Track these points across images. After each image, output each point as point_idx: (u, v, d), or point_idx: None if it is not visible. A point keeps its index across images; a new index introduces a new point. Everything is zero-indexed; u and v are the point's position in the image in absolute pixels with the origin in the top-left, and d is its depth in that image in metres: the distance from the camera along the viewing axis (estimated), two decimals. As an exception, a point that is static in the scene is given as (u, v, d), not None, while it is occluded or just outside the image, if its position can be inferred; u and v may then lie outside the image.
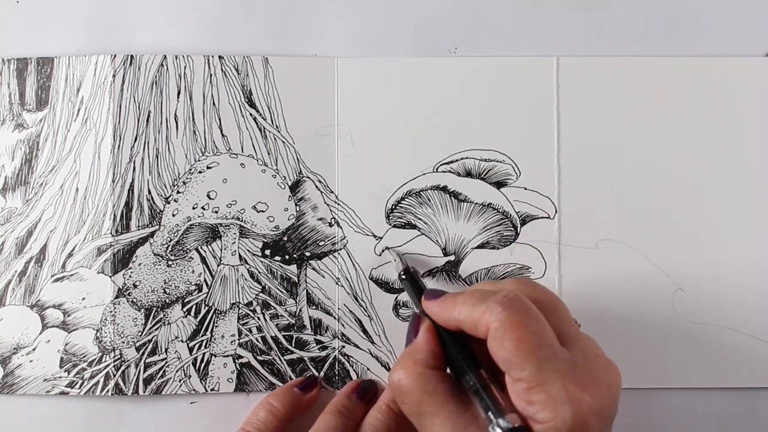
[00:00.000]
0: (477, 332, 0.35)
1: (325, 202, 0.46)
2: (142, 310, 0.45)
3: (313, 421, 0.42)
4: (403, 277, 0.43)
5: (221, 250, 0.46)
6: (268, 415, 0.43)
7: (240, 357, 0.45)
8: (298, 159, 0.46)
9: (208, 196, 0.46)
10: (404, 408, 0.36)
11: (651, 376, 0.45)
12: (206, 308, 0.45)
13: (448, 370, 0.37)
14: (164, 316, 0.45)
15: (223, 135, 0.46)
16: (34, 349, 0.45)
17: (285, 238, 0.46)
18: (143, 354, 0.45)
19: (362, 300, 0.46)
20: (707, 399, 0.45)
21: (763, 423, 0.45)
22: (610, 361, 0.35)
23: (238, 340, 0.45)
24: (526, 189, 0.46)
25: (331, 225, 0.46)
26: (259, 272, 0.46)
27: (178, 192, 0.46)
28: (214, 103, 0.46)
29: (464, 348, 0.37)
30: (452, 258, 0.46)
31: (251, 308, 0.45)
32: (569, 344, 0.34)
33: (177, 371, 0.45)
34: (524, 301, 0.34)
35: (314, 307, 0.46)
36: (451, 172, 0.46)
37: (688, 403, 0.45)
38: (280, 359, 0.45)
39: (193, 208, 0.46)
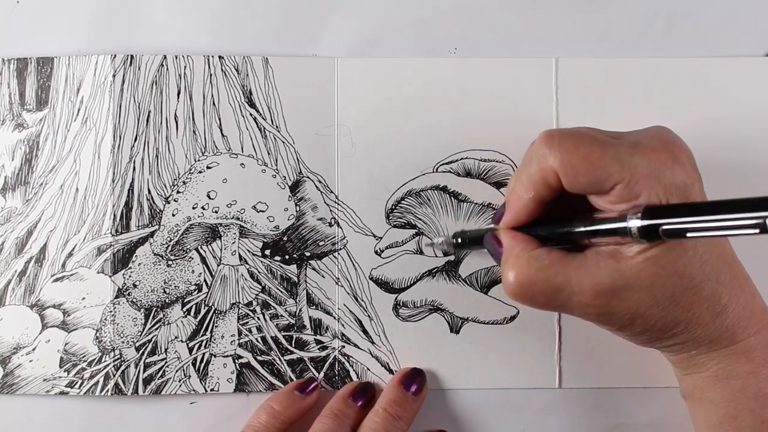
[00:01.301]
0: (550, 189, 0.35)
1: (325, 202, 0.46)
2: (142, 310, 0.45)
3: (311, 424, 0.42)
4: (459, 241, 0.43)
5: (221, 250, 0.46)
6: (269, 418, 0.43)
7: (240, 357, 0.45)
8: (298, 159, 0.46)
9: (208, 196, 0.46)
10: (537, 300, 0.35)
11: (651, 376, 0.45)
12: (206, 308, 0.45)
13: None
14: (164, 316, 0.45)
15: (223, 135, 0.46)
16: (33, 349, 0.45)
17: (285, 238, 0.46)
18: (143, 354, 0.45)
19: (362, 300, 0.46)
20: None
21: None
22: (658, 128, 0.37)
23: (238, 340, 0.45)
24: (526, 189, 0.46)
25: (331, 225, 0.46)
26: (258, 272, 0.46)
27: (178, 192, 0.46)
28: (214, 103, 0.46)
29: (546, 221, 0.37)
30: (452, 258, 0.46)
31: (251, 308, 0.45)
32: (625, 135, 0.36)
33: (177, 371, 0.45)
34: (555, 130, 0.35)
35: (314, 307, 0.46)
36: (450, 172, 0.46)
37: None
38: (280, 359, 0.45)
39: (193, 208, 0.46)
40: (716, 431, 0.37)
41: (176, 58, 0.46)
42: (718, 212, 0.30)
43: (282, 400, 0.43)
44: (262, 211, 0.46)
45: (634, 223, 0.33)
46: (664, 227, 0.32)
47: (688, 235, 0.31)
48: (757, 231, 0.29)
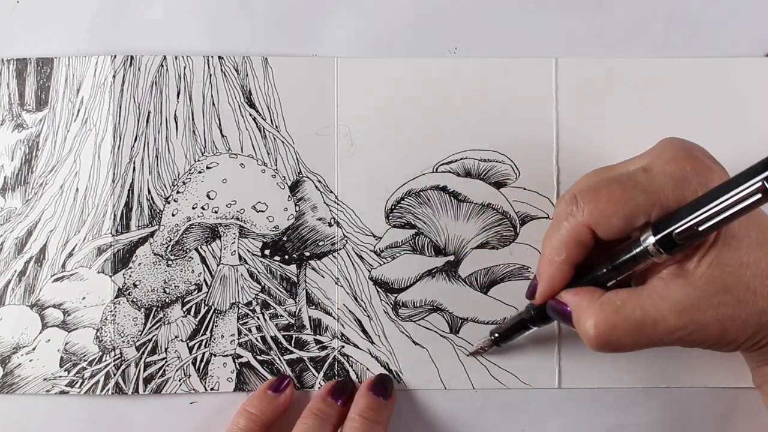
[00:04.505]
0: (582, 247, 0.36)
1: (325, 202, 0.46)
2: (142, 309, 0.45)
3: (292, 425, 0.43)
4: (497, 336, 0.44)
5: (221, 250, 0.46)
6: (247, 422, 0.43)
7: (240, 356, 0.45)
8: (297, 159, 0.46)
9: (208, 196, 0.46)
10: (625, 342, 0.35)
11: (651, 376, 0.45)
12: (206, 308, 0.46)
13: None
14: (164, 315, 0.45)
15: (222, 135, 0.46)
16: (33, 349, 0.45)
17: (284, 238, 0.46)
18: (143, 353, 0.45)
19: (362, 300, 0.46)
20: (708, 398, 0.45)
21: (764, 422, 0.45)
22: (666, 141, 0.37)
23: (238, 339, 0.45)
24: (525, 189, 0.46)
25: (330, 225, 0.46)
26: (258, 272, 0.46)
27: (177, 192, 0.46)
28: (213, 104, 0.46)
29: (589, 269, 0.37)
30: (452, 258, 0.46)
31: (251, 308, 0.46)
32: (635, 161, 0.37)
33: (177, 371, 0.45)
34: (578, 185, 0.36)
35: (314, 307, 0.46)
36: (450, 172, 0.46)
37: (689, 402, 0.45)
38: (280, 359, 0.45)
39: (193, 208, 0.46)
40: None
41: (176, 58, 0.46)
42: (719, 195, 0.31)
43: (257, 403, 0.43)
44: (262, 211, 0.46)
45: (648, 242, 0.33)
46: (677, 231, 0.32)
47: (701, 228, 0.31)
48: (760, 195, 0.29)
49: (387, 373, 0.45)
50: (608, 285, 0.37)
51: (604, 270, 0.36)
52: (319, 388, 0.45)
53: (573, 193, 0.36)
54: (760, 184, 0.29)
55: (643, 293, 0.35)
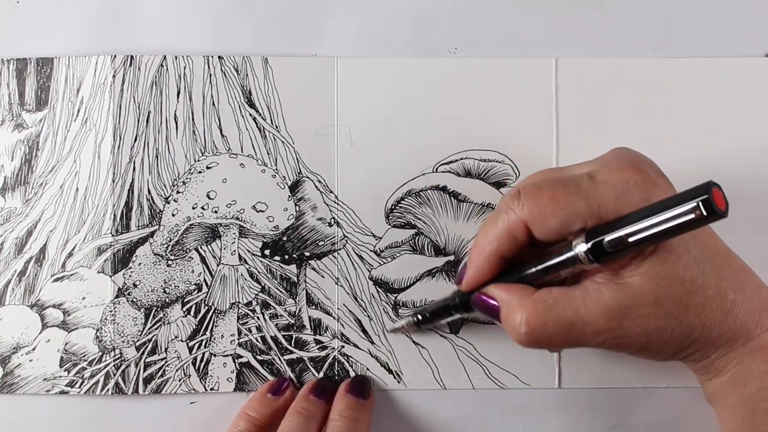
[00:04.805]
0: (514, 243, 0.36)
1: (325, 202, 0.46)
2: (142, 309, 0.45)
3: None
4: (420, 318, 0.43)
5: (221, 249, 0.46)
6: (248, 425, 0.43)
7: (240, 356, 0.45)
8: (297, 159, 0.46)
9: (208, 196, 0.46)
10: (553, 341, 0.35)
11: (651, 376, 0.45)
12: (206, 308, 0.46)
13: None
14: (164, 315, 0.45)
15: (222, 135, 0.46)
16: (33, 349, 0.45)
17: (284, 238, 0.46)
18: (143, 353, 0.45)
19: (362, 300, 0.46)
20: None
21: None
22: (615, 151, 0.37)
23: (238, 339, 0.45)
24: (525, 189, 0.46)
25: (330, 225, 0.46)
26: (258, 272, 0.46)
27: (177, 192, 0.46)
28: (213, 104, 0.46)
29: (517, 264, 0.38)
30: (452, 258, 0.46)
31: (251, 308, 0.46)
32: (582, 167, 0.37)
33: (177, 371, 0.45)
34: (523, 181, 0.36)
35: (314, 307, 0.46)
36: (450, 172, 0.46)
37: (689, 402, 0.45)
38: (280, 359, 0.45)
39: (193, 208, 0.46)
40: None
41: (176, 58, 0.46)
42: (655, 211, 0.31)
43: (257, 406, 0.44)
44: (262, 211, 0.46)
45: (580, 248, 0.33)
46: (608, 240, 0.32)
47: (631, 240, 0.32)
48: (693, 216, 0.30)
49: (364, 374, 0.45)
50: (536, 284, 0.37)
51: (533, 269, 0.36)
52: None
53: (517, 188, 0.36)
54: (695, 204, 0.30)
55: (575, 293, 0.35)
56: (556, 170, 0.38)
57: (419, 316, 0.43)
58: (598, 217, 0.34)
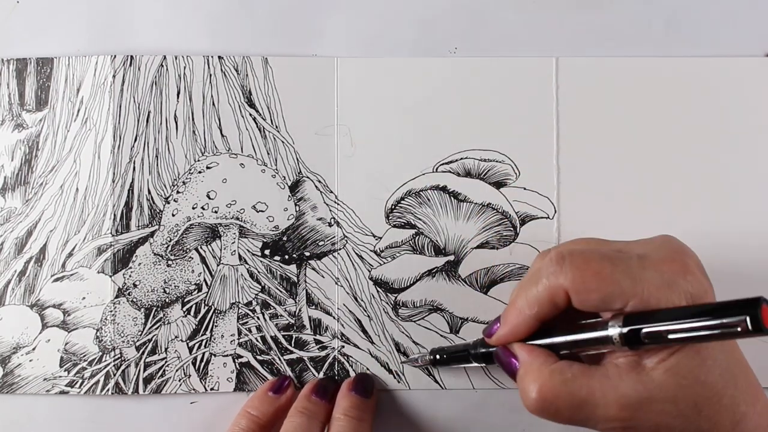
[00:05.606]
0: (554, 308, 0.35)
1: (325, 202, 0.46)
2: (142, 309, 0.45)
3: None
4: (437, 358, 0.43)
5: (221, 249, 0.46)
6: (249, 424, 0.43)
7: (240, 356, 0.45)
8: (297, 159, 0.46)
9: (208, 196, 0.46)
10: (561, 415, 0.35)
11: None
12: (206, 308, 0.46)
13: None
14: (164, 315, 0.45)
15: (222, 135, 0.46)
16: (33, 349, 0.45)
17: (284, 238, 0.46)
18: (143, 353, 0.45)
19: (362, 300, 0.46)
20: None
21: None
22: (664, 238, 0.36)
23: (238, 339, 0.45)
24: (525, 189, 0.46)
25: (330, 225, 0.46)
26: (258, 272, 0.46)
27: (177, 192, 0.46)
28: (213, 104, 0.46)
29: (549, 330, 0.37)
30: (452, 258, 0.46)
31: (251, 308, 0.46)
32: (631, 246, 0.36)
33: (177, 371, 0.45)
34: (565, 249, 0.35)
35: (314, 307, 0.46)
36: (450, 172, 0.46)
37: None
38: (280, 359, 0.45)
39: (193, 208, 0.46)
40: None
41: (176, 58, 0.46)
42: (702, 314, 0.31)
43: (258, 404, 0.44)
44: (262, 211, 0.46)
45: (615, 331, 0.33)
46: (646, 330, 0.32)
47: (670, 337, 0.31)
48: (739, 329, 0.29)
49: (366, 372, 0.45)
50: (561, 353, 0.36)
51: (562, 339, 0.36)
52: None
53: (562, 253, 0.35)
54: (743, 319, 0.29)
55: (595, 374, 0.34)
56: (602, 242, 0.37)
57: (437, 356, 0.43)
58: (640, 300, 0.33)
